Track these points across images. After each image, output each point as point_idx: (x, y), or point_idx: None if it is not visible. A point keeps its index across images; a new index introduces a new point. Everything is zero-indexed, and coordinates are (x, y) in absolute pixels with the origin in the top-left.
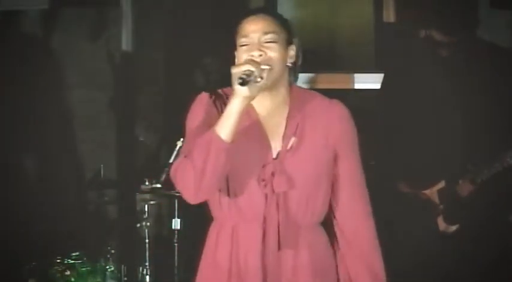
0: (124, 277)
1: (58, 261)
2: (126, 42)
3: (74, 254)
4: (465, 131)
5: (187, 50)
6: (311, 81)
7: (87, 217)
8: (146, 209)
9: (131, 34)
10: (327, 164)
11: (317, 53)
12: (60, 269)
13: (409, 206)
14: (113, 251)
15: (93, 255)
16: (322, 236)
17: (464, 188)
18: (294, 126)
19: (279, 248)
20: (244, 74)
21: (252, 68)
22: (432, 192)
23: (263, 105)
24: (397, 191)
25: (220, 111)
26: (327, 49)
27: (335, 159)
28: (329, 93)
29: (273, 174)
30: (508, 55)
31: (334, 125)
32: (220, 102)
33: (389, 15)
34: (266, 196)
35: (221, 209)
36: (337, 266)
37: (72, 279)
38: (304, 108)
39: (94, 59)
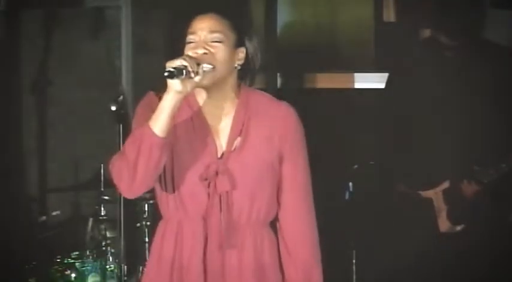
0: (124, 276)
1: (58, 260)
2: (125, 42)
3: (74, 253)
4: (471, 132)
5: None
6: (311, 81)
7: (87, 216)
8: (146, 209)
9: (131, 34)
10: (272, 165)
11: (317, 53)
12: (60, 269)
13: (412, 206)
14: (113, 251)
15: (93, 254)
16: (269, 237)
17: (470, 188)
18: (239, 127)
19: (221, 247)
20: (172, 68)
21: (185, 63)
22: (437, 193)
23: (209, 105)
24: (401, 191)
25: None
26: (327, 49)
27: (280, 160)
28: (329, 93)
29: (216, 173)
30: None
31: (280, 126)
32: None
33: (390, 14)
34: (209, 195)
35: (168, 206)
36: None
37: (72, 279)
38: (251, 110)
39: (94, 58)
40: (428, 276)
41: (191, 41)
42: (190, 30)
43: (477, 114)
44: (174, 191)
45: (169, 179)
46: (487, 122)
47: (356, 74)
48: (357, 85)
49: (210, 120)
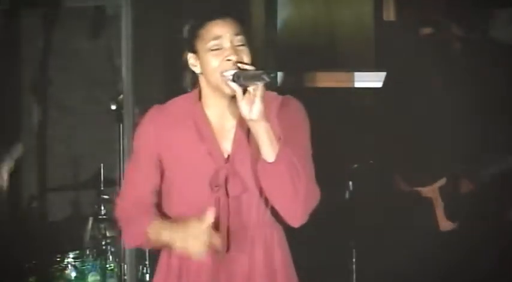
0: (124, 276)
1: (58, 259)
2: (126, 41)
3: (73, 252)
4: (468, 129)
5: None
6: (311, 80)
7: (87, 216)
8: None
9: (131, 33)
10: None
11: (317, 52)
12: (60, 268)
13: (412, 205)
14: (113, 250)
15: (93, 253)
16: (278, 233)
17: (466, 185)
18: (245, 127)
19: (231, 252)
20: (266, 74)
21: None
22: (434, 190)
23: (217, 109)
24: (398, 188)
25: (167, 129)
26: (327, 48)
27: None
28: (329, 92)
29: (226, 178)
30: None
31: (284, 118)
32: (170, 118)
33: (389, 13)
34: (218, 201)
35: (171, 216)
36: (291, 264)
37: (72, 278)
38: None
39: (94, 57)
40: (428, 274)
41: (216, 47)
42: (210, 35)
43: (475, 111)
44: (179, 201)
45: (174, 190)
46: (486, 121)
47: (356, 73)
48: (357, 84)
49: (215, 124)
